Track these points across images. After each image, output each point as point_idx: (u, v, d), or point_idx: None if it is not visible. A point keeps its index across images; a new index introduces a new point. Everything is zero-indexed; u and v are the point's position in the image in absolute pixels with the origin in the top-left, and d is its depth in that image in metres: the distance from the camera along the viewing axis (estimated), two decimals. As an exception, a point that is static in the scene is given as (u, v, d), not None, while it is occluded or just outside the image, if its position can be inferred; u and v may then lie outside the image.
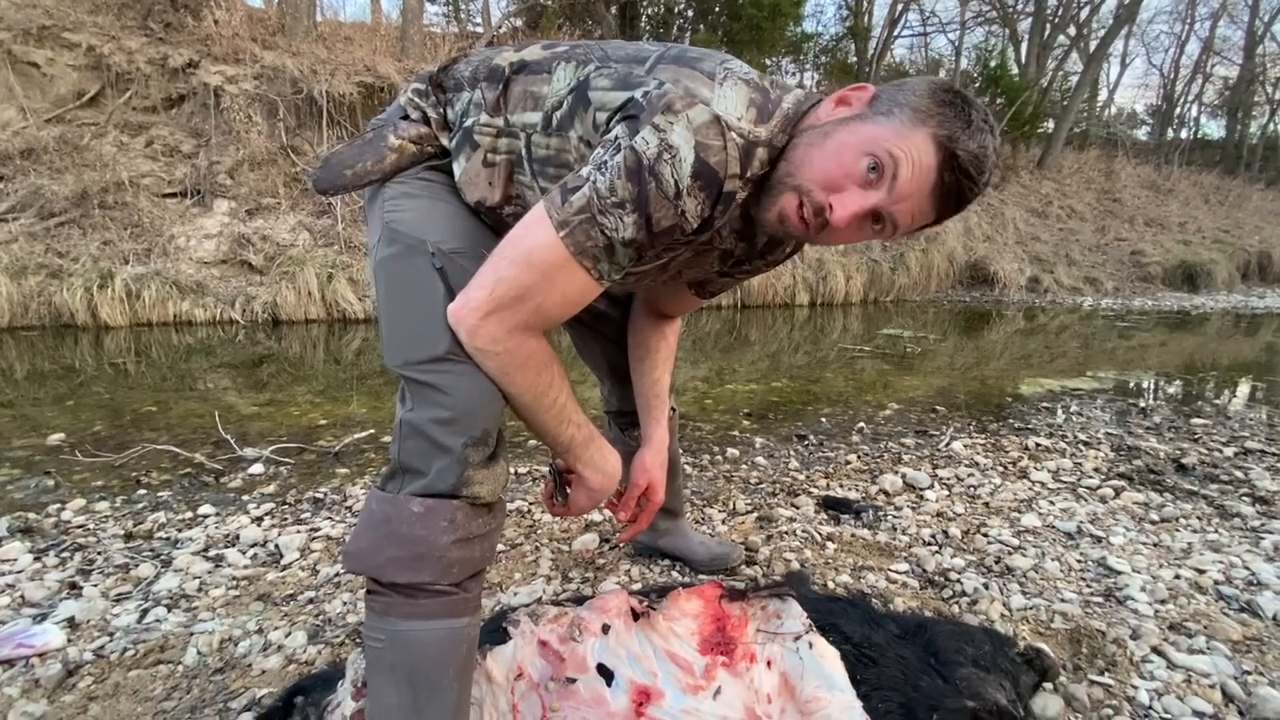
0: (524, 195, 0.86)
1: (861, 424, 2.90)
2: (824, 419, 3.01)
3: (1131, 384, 4.11)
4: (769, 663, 0.94)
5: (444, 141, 0.89)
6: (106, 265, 5.41)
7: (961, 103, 0.71)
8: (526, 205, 0.84)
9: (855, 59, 13.83)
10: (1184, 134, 20.80)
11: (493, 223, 0.90)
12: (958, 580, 1.48)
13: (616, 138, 0.71)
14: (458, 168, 0.87)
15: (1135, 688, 1.11)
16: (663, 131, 0.68)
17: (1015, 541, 1.69)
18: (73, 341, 4.77)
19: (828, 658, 0.92)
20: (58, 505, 1.91)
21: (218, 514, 1.87)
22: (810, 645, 0.93)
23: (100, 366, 4.05)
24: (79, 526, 1.79)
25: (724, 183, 0.71)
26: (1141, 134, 21.46)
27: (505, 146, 0.84)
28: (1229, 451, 2.53)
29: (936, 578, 1.50)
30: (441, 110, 0.89)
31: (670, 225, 0.72)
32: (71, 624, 1.31)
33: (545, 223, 0.72)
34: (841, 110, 0.75)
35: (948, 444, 2.57)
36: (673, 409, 1.37)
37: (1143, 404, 3.47)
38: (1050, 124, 14.09)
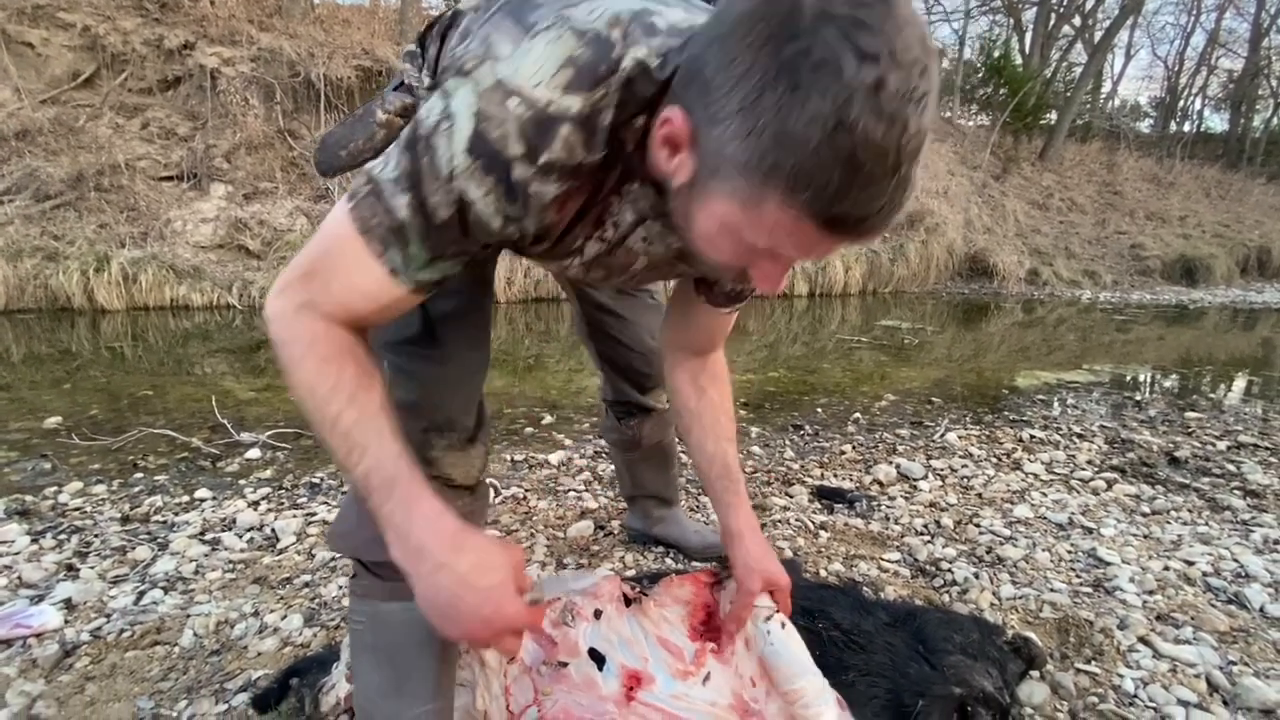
0: None
1: (857, 414, 2.91)
2: (820, 409, 3.02)
3: (1127, 377, 4.12)
4: (746, 643, 0.95)
5: None
6: (103, 248, 5.38)
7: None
8: None
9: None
10: (1187, 127, 20.72)
11: None
12: (949, 570, 1.49)
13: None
14: None
15: (1121, 676, 1.12)
16: (447, 96, 0.55)
17: (1007, 532, 1.70)
18: (69, 325, 4.76)
19: (794, 639, 0.93)
20: (55, 488, 1.92)
21: (214, 498, 1.88)
22: (782, 625, 0.94)
23: (97, 350, 4.05)
24: (76, 509, 1.79)
25: (510, 165, 0.54)
26: (1144, 126, 21.36)
27: None
28: (1222, 445, 2.54)
29: (928, 567, 1.51)
30: (421, 74, 0.85)
31: (449, 217, 0.56)
32: (68, 605, 1.32)
33: (344, 196, 0.61)
34: (673, 165, 0.54)
35: (943, 435, 2.58)
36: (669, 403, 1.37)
37: (1138, 397, 3.49)
38: (1053, 115, 14.01)
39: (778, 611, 0.94)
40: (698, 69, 0.49)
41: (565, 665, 0.94)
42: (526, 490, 1.92)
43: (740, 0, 0.47)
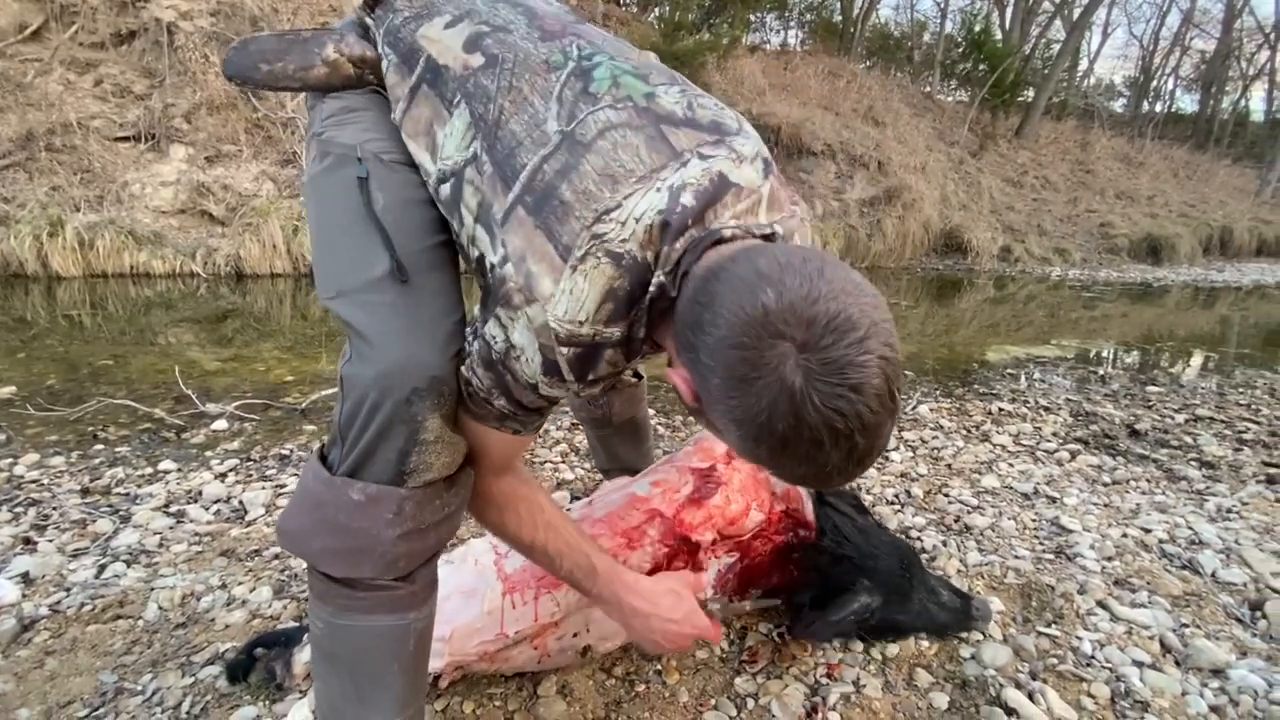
0: None
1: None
2: (796, 382, 3.04)
3: (1092, 353, 4.22)
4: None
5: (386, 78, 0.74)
6: (56, 212, 5.14)
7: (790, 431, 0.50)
8: None
9: (840, 18, 13.57)
10: (1159, 107, 21.02)
11: None
12: (918, 538, 1.52)
13: (474, 321, 0.68)
14: (396, 117, 0.73)
15: (1080, 639, 1.16)
16: (505, 327, 0.62)
17: (974, 501, 1.74)
18: (23, 292, 4.56)
19: None
20: (10, 459, 1.85)
21: (179, 470, 1.83)
22: None
23: (53, 318, 3.89)
24: (33, 481, 1.73)
25: (570, 385, 0.65)
26: (1118, 106, 21.62)
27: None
28: (1180, 418, 2.62)
29: (898, 534, 1.54)
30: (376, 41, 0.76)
31: (543, 405, 0.69)
32: (26, 579, 1.28)
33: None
34: (680, 390, 0.60)
35: (915, 408, 2.62)
36: (639, 375, 1.36)
37: (1102, 372, 3.58)
38: (1031, 92, 14.09)
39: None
40: (694, 356, 0.54)
41: None
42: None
43: (736, 346, 0.50)
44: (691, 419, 2.40)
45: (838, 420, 0.49)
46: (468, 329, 0.70)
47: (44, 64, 5.88)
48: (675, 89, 0.67)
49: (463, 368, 0.68)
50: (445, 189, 0.68)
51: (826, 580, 1.07)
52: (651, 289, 0.59)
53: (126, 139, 5.89)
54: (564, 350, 0.61)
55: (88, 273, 5.08)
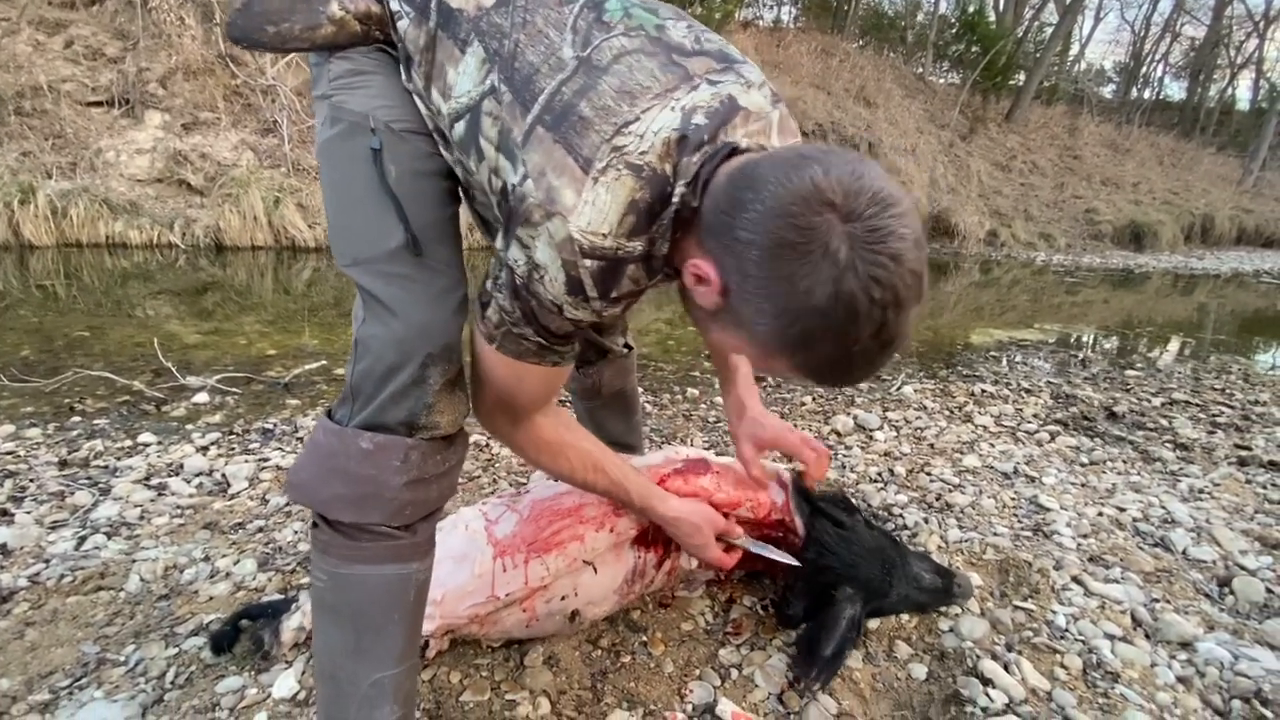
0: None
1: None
2: (783, 362, 3.05)
3: (1074, 337, 4.28)
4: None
5: (393, 34, 0.74)
6: (27, 179, 4.98)
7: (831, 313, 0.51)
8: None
9: (834, -4, 13.41)
10: (1147, 94, 21.10)
11: None
12: (900, 515, 1.55)
13: (499, 251, 0.68)
14: (405, 76, 0.74)
15: (1054, 613, 1.19)
16: (527, 248, 0.63)
17: (956, 480, 1.77)
18: (-7, 261, 4.44)
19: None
20: (-17, 431, 1.81)
21: (160, 442, 1.81)
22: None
23: (26, 289, 3.79)
24: (8, 453, 1.70)
25: (593, 302, 0.65)
26: (1107, 92, 21.67)
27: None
28: (1157, 401, 2.68)
29: (880, 512, 1.57)
30: None
31: (571, 331, 0.69)
32: (3, 551, 1.26)
33: (479, 339, 0.73)
34: (699, 292, 0.61)
35: (899, 389, 2.65)
36: (629, 347, 1.36)
37: (1082, 356, 3.63)
38: (1022, 76, 14.06)
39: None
40: (731, 237, 0.55)
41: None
42: (489, 438, 1.90)
43: (783, 214, 0.51)
44: (680, 400, 2.41)
45: (875, 289, 0.50)
46: (486, 284, 0.70)
47: (11, 24, 5.66)
48: (683, 24, 0.70)
49: (489, 311, 0.69)
50: (460, 126, 0.68)
51: (810, 587, 1.08)
52: (674, 200, 0.61)
53: (99, 104, 5.70)
54: (587, 263, 0.61)
55: (61, 242, 4.95)
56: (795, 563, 1.07)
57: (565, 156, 0.60)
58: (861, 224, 0.50)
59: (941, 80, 14.59)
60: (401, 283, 0.71)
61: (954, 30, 14.25)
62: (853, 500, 1.28)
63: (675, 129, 0.60)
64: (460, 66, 0.68)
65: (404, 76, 0.73)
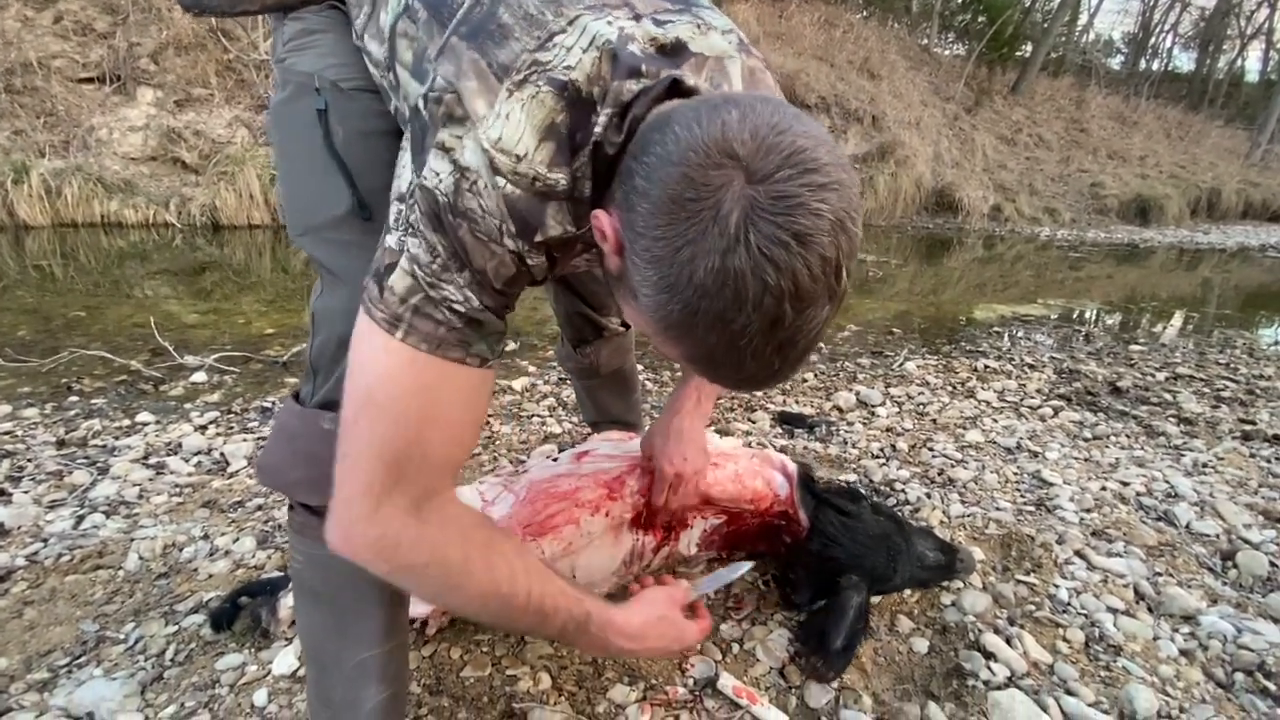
0: None
1: (820, 344, 2.94)
2: (784, 339, 3.03)
3: (1077, 312, 4.24)
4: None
5: None
6: (20, 158, 4.92)
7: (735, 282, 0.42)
8: None
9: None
10: (1155, 65, 20.72)
11: None
12: (902, 490, 1.54)
13: (409, 181, 0.54)
14: (354, 32, 0.69)
15: (1057, 586, 1.18)
16: (451, 150, 0.51)
17: (958, 455, 1.76)
18: (-12, 241, 4.40)
19: None
20: (-20, 411, 1.81)
21: (158, 422, 1.80)
22: None
23: (23, 268, 3.77)
24: (6, 433, 1.70)
25: (508, 241, 0.53)
26: (1115, 63, 21.28)
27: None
28: (1161, 376, 2.66)
29: (882, 487, 1.56)
30: None
31: (510, 279, 0.54)
32: (1, 530, 1.26)
33: (372, 333, 0.53)
34: (606, 249, 0.51)
35: (901, 364, 2.63)
36: (626, 325, 1.34)
37: (1086, 331, 3.61)
38: (1029, 47, 13.79)
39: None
40: (630, 185, 0.46)
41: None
42: (489, 415, 1.89)
43: (680, 163, 0.43)
44: (680, 376, 2.39)
45: (768, 272, 0.41)
46: (388, 239, 0.55)
47: (-3, -2, 5.54)
48: None
49: (391, 279, 0.53)
50: (385, 50, 0.61)
51: (815, 575, 1.08)
52: (596, 131, 0.50)
53: (90, 80, 5.61)
54: (500, 183, 0.51)
55: (56, 222, 4.90)
56: (750, 565, 0.99)
57: (479, 61, 0.51)
58: (766, 187, 0.41)
59: (947, 52, 14.31)
60: (350, 250, 0.65)
61: (960, 0, 13.95)
62: (859, 489, 1.27)
63: (610, 43, 0.51)
64: (390, 4, 0.62)
65: (354, 33, 0.68)
